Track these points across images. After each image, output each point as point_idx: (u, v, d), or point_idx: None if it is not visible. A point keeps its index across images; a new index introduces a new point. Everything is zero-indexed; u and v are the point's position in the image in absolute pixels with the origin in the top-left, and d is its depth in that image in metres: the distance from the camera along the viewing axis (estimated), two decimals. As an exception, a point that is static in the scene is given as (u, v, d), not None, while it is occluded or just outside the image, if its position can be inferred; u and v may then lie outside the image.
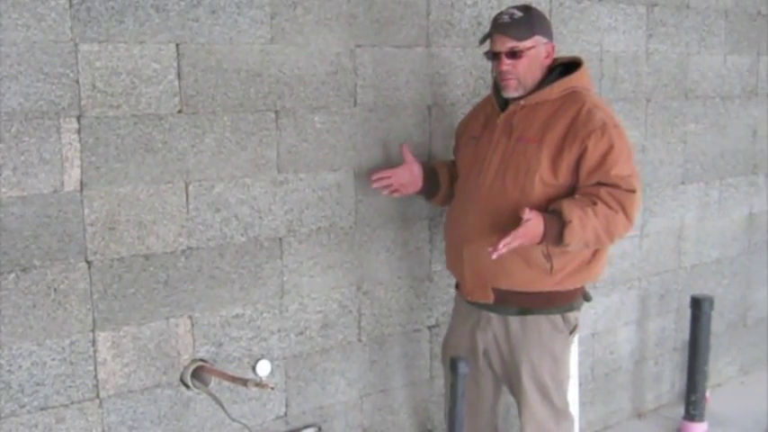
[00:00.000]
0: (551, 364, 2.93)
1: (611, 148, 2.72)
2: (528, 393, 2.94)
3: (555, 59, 2.90)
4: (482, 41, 2.87)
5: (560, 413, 3.00)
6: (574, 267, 2.85)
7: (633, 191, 2.74)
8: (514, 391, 3.02)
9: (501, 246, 2.61)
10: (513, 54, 2.78)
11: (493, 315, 2.95)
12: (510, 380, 3.02)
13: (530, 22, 2.80)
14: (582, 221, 2.65)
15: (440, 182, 3.09)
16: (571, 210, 2.65)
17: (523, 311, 2.89)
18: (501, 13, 2.84)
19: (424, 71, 3.23)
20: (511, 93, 2.83)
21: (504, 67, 2.79)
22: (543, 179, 2.76)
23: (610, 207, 2.69)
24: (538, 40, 2.80)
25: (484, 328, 2.98)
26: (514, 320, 2.91)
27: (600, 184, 2.73)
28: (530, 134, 2.80)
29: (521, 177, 2.78)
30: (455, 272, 3.04)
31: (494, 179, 2.84)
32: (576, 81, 2.85)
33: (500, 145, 2.86)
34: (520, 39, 2.77)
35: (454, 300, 3.22)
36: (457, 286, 3.11)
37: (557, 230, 2.66)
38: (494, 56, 2.83)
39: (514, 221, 2.65)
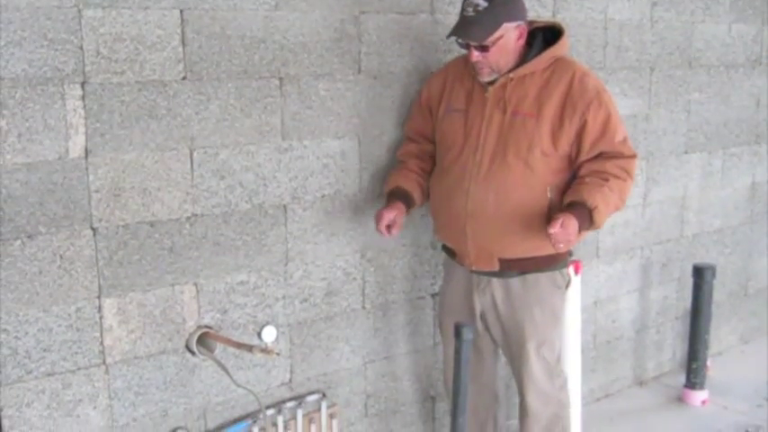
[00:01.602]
0: (552, 321, 3.03)
1: (608, 116, 2.82)
2: (530, 352, 3.01)
3: (532, 23, 2.90)
4: (449, 37, 2.86)
5: (554, 370, 3.09)
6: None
7: (634, 156, 2.88)
8: (513, 351, 3.07)
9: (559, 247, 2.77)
10: (483, 47, 2.78)
11: (494, 279, 2.98)
12: (508, 340, 3.06)
13: (494, 12, 2.74)
14: (605, 201, 2.78)
15: (414, 199, 3.05)
16: (592, 196, 2.76)
17: (524, 272, 2.96)
18: (465, 4, 2.78)
19: (429, 38, 3.21)
20: (485, 78, 2.86)
21: (475, 59, 2.80)
22: (544, 151, 2.82)
23: (619, 178, 2.82)
24: (506, 27, 2.77)
25: (483, 290, 3.02)
26: (515, 281, 2.97)
27: (603, 153, 2.83)
28: (525, 108, 2.83)
29: (523, 152, 2.81)
30: (455, 244, 3.05)
31: (493, 155, 2.85)
32: (561, 49, 2.90)
33: (494, 120, 2.86)
34: (486, 36, 2.75)
35: (444, 264, 3.25)
36: (450, 253, 3.12)
37: (587, 218, 2.77)
38: (464, 45, 2.84)
39: (520, 195, 2.80)
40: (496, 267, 2.95)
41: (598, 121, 2.80)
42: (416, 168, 3.08)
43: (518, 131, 2.82)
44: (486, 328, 3.11)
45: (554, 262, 2.95)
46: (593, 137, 2.81)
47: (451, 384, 2.98)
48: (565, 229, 2.70)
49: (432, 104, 3.07)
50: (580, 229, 2.76)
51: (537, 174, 2.83)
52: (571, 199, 2.81)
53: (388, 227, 2.95)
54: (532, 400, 3.09)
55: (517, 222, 2.84)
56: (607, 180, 2.80)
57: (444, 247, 3.18)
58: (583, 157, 2.84)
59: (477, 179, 2.87)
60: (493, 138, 2.85)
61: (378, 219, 2.95)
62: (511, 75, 2.83)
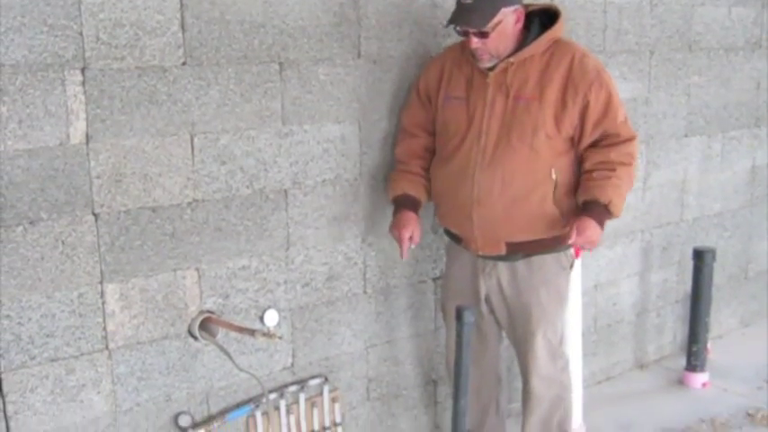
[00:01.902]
0: (557, 302, 3.04)
1: (609, 96, 2.84)
2: (535, 334, 3.03)
3: (527, 6, 2.90)
4: (447, 25, 2.86)
5: (557, 352, 3.11)
6: (576, 208, 2.93)
7: (634, 137, 2.90)
8: (518, 333, 3.09)
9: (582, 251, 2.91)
10: (482, 33, 2.78)
11: (500, 262, 3.00)
12: (514, 323, 3.08)
13: None
14: (617, 192, 2.85)
15: (422, 204, 3.10)
16: (604, 191, 2.82)
17: (531, 255, 2.98)
18: None
19: (428, 22, 3.21)
20: (485, 64, 2.86)
21: (475, 45, 2.81)
22: (548, 134, 2.84)
23: (625, 164, 2.86)
24: (504, 12, 2.78)
25: (489, 273, 3.04)
26: (520, 263, 2.99)
27: (604, 136, 2.85)
28: (527, 92, 2.83)
29: (527, 136, 2.83)
30: (461, 230, 3.05)
31: (497, 140, 2.86)
32: (559, 31, 2.91)
33: (497, 105, 2.86)
34: (484, 23, 2.76)
35: (448, 249, 3.26)
36: (455, 239, 3.13)
37: (604, 213, 2.84)
38: (463, 33, 2.84)
39: (526, 179, 2.84)
40: (503, 251, 2.97)
41: (600, 102, 2.82)
42: (419, 170, 3.10)
43: (521, 116, 2.83)
44: (491, 311, 3.12)
45: (560, 243, 2.96)
46: (595, 117, 2.83)
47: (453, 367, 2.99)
48: (582, 233, 2.79)
49: (430, 93, 3.06)
50: (600, 225, 2.83)
51: (542, 157, 2.84)
52: (584, 199, 2.87)
53: (410, 238, 3.01)
54: (536, 383, 3.11)
55: (524, 206, 2.87)
56: (614, 170, 2.84)
57: (448, 233, 3.19)
58: (586, 138, 2.86)
59: (483, 165, 2.87)
60: (496, 123, 2.86)
61: (399, 240, 3.00)
62: (511, 59, 2.83)
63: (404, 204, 3.06)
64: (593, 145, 2.88)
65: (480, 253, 3.01)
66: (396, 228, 3.03)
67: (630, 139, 2.87)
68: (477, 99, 2.90)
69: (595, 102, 2.81)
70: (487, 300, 3.09)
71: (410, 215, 3.04)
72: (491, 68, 2.86)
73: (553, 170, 2.86)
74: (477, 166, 2.88)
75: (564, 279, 3.07)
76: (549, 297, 3.01)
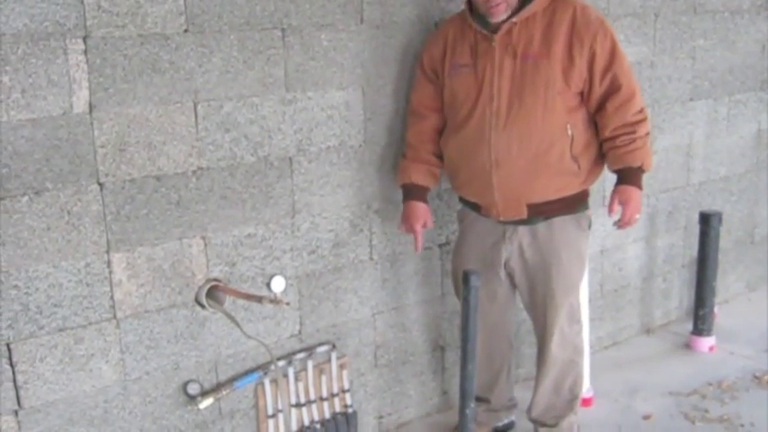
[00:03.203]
0: (578, 264, 3.09)
1: (614, 44, 2.88)
2: (557, 297, 3.05)
3: None
4: None
5: (575, 316, 3.15)
6: (593, 163, 2.98)
7: (637, 89, 2.93)
8: (537, 297, 3.10)
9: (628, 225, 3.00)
10: None
11: (520, 227, 3.01)
12: (534, 286, 3.09)
13: None
14: (644, 150, 2.92)
15: (430, 191, 3.16)
16: (633, 156, 2.90)
17: (551, 217, 3.00)
18: None
19: (431, -13, 3.19)
20: (501, 17, 2.84)
21: None
22: (559, 90, 2.85)
23: (640, 121, 2.92)
24: None
25: (510, 239, 3.04)
26: (541, 226, 3.01)
27: (612, 87, 2.87)
28: (533, 50, 2.83)
29: (540, 94, 2.83)
30: (480, 198, 3.03)
31: (509, 101, 2.85)
32: None
33: (505, 66, 2.85)
34: None
35: (461, 218, 3.23)
36: (473, 207, 3.11)
37: (638, 175, 2.94)
38: None
39: (542, 137, 2.86)
40: (524, 214, 2.96)
41: (606, 50, 2.84)
42: (429, 157, 3.10)
43: (531, 74, 2.83)
44: (509, 275, 3.12)
45: (579, 203, 3.02)
46: (602, 65, 2.84)
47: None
48: (628, 203, 2.92)
49: (435, 67, 3.04)
50: (640, 188, 2.94)
51: (556, 113, 2.85)
52: (616, 167, 2.95)
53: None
54: (555, 346, 3.13)
55: (543, 164, 2.88)
56: (634, 131, 2.89)
57: (463, 201, 3.18)
58: (596, 89, 2.87)
59: (498, 127, 2.87)
60: (507, 84, 2.85)
61: (414, 233, 3.09)
62: (514, 19, 2.82)
63: (411, 194, 3.09)
64: (603, 108, 2.88)
65: (502, 218, 3.00)
66: (407, 221, 3.08)
67: (635, 93, 2.89)
68: (484, 64, 2.89)
69: (601, 50, 2.83)
70: (506, 264, 3.09)
71: (419, 206, 3.08)
72: (494, 31, 2.84)
73: (568, 126, 2.86)
74: (493, 128, 2.87)
75: (584, 241, 3.10)
76: (570, 259, 3.04)
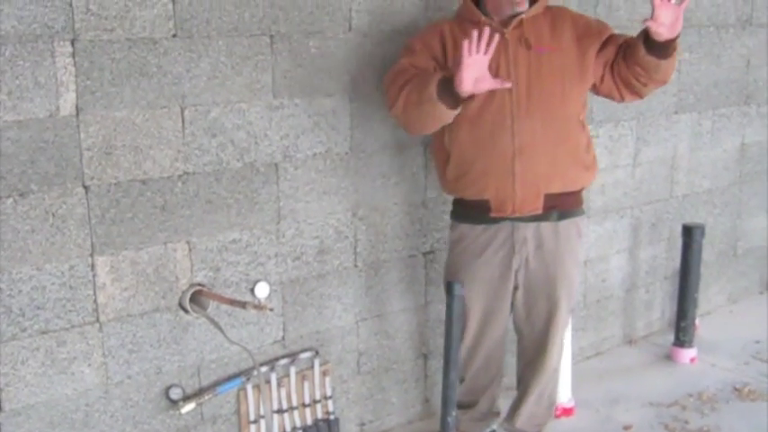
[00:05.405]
0: (576, 271, 3.18)
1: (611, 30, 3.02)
2: (561, 306, 3.09)
3: None
4: None
5: (568, 322, 3.23)
6: (594, 162, 3.09)
7: None
8: (540, 306, 3.10)
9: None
10: None
11: (528, 233, 2.99)
12: (536, 295, 3.08)
13: None
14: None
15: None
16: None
17: (561, 215, 3.02)
18: None
19: (419, -4, 3.21)
20: (522, 8, 2.91)
21: None
22: (572, 81, 2.93)
23: None
24: None
25: (519, 250, 3.01)
26: (547, 232, 3.01)
27: (621, 35, 2.98)
28: (545, 43, 2.91)
29: (557, 84, 2.90)
30: (497, 191, 2.93)
31: (528, 91, 2.87)
32: None
33: (520, 57, 2.88)
34: None
35: (460, 240, 3.09)
36: (478, 211, 3.01)
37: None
38: None
39: (561, 124, 2.92)
40: (540, 208, 2.95)
41: (607, 34, 2.96)
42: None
43: (549, 65, 2.89)
44: (514, 289, 3.10)
45: (581, 202, 3.11)
46: (606, 37, 2.96)
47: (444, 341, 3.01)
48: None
49: (435, 54, 2.93)
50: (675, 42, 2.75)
51: (572, 104, 2.94)
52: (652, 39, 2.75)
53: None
54: (554, 355, 3.16)
55: (563, 149, 2.93)
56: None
57: (462, 210, 3.09)
58: (611, 47, 2.93)
59: (520, 115, 2.87)
60: (523, 74, 2.87)
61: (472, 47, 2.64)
62: (523, 15, 2.88)
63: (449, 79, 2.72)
64: (626, 42, 2.92)
65: (517, 214, 2.95)
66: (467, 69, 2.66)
67: None
68: (497, 55, 2.81)
69: (606, 37, 2.95)
70: (516, 272, 3.05)
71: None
72: (505, 24, 2.88)
73: (582, 117, 2.98)
74: (515, 115, 2.86)
75: (581, 247, 3.18)
76: (572, 266, 3.09)
